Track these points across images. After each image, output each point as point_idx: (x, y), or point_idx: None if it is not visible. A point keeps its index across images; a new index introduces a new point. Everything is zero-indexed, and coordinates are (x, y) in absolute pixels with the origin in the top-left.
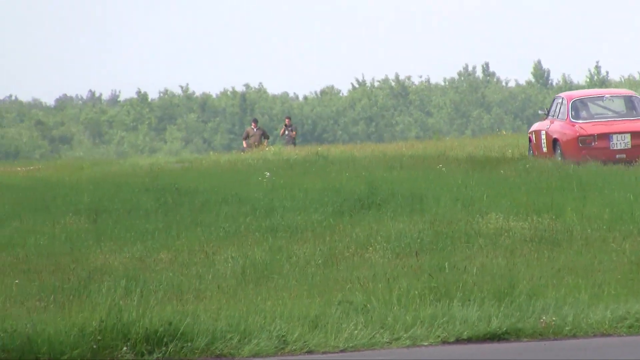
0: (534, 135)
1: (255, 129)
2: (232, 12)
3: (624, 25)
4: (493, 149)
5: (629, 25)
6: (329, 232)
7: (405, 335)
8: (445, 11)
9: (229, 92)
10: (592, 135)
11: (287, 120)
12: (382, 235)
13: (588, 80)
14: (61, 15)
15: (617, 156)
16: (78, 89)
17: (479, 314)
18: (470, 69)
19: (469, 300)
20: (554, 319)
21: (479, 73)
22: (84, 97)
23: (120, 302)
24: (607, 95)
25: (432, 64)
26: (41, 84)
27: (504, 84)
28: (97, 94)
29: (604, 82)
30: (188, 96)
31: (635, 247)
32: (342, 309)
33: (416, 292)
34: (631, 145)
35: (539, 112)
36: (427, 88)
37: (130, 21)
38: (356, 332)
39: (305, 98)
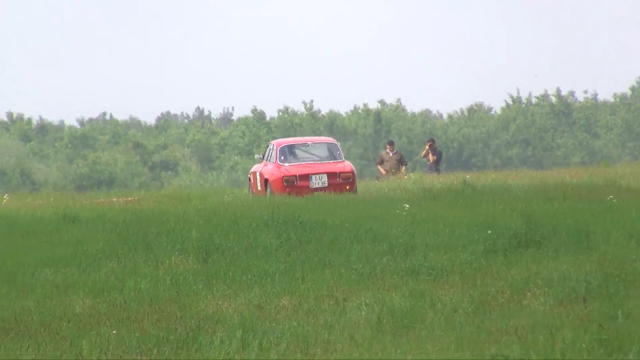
0: (252, 176)
1: (391, 153)
2: (363, 18)
3: None
4: None
5: None
6: (480, 274)
7: None
8: (613, 16)
9: (360, 110)
10: (295, 175)
11: (429, 142)
12: (543, 278)
13: None
14: (162, 23)
15: (316, 193)
16: (183, 106)
17: None
18: None
19: None
20: None
21: None
22: (191, 116)
23: (236, 356)
24: (309, 143)
25: (600, 78)
26: (140, 100)
27: None
28: (205, 112)
29: None
30: (312, 115)
31: None
32: None
33: (583, 346)
34: (328, 184)
35: (255, 157)
36: (594, 106)
37: (243, 28)
38: None
39: (450, 117)
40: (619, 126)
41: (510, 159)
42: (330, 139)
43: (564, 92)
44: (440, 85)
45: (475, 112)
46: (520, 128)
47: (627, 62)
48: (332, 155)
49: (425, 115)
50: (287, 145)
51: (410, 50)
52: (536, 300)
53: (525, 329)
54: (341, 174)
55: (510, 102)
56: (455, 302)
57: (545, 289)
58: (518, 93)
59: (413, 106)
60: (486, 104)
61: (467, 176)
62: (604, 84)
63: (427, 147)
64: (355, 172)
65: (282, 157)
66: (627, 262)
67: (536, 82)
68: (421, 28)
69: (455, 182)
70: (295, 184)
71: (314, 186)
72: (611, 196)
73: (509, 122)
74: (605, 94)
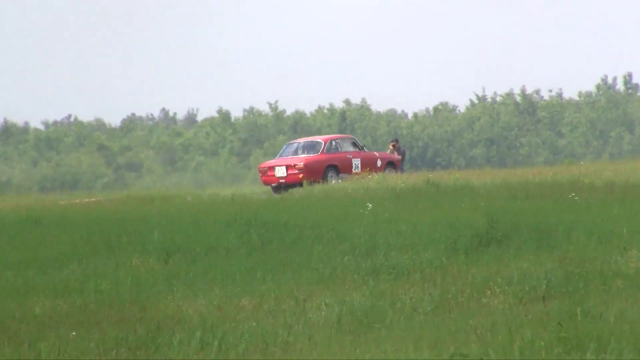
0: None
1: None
2: (328, 16)
3: None
4: (636, 175)
5: None
6: (441, 273)
7: None
8: (579, 14)
9: (325, 110)
10: (265, 167)
11: (393, 142)
12: (503, 276)
13: None
14: (126, 23)
15: (280, 181)
16: (148, 108)
17: None
18: (609, 81)
19: (605, 352)
20: None
21: (620, 86)
22: (155, 117)
23: (195, 357)
24: (298, 142)
25: (565, 76)
26: (105, 102)
27: None
28: (170, 114)
29: None
30: (277, 115)
31: None
32: None
33: (542, 344)
34: (287, 174)
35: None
36: (559, 104)
37: (207, 29)
38: None
39: (416, 116)
40: (583, 124)
41: (475, 158)
42: (318, 138)
43: (529, 91)
44: (406, 85)
45: (440, 112)
46: (484, 127)
47: (592, 60)
48: (313, 150)
49: (390, 114)
50: (288, 144)
51: (377, 50)
52: (496, 299)
53: (484, 328)
54: (295, 165)
55: (476, 101)
56: (416, 301)
57: (506, 288)
58: (483, 92)
59: (378, 106)
60: (451, 103)
61: (431, 175)
62: (569, 82)
63: (391, 146)
64: (309, 165)
65: (280, 153)
66: (588, 260)
67: (501, 81)
68: (393, 28)
69: (418, 181)
70: (267, 174)
71: (277, 175)
72: (573, 194)
73: (473, 121)
74: (570, 92)
